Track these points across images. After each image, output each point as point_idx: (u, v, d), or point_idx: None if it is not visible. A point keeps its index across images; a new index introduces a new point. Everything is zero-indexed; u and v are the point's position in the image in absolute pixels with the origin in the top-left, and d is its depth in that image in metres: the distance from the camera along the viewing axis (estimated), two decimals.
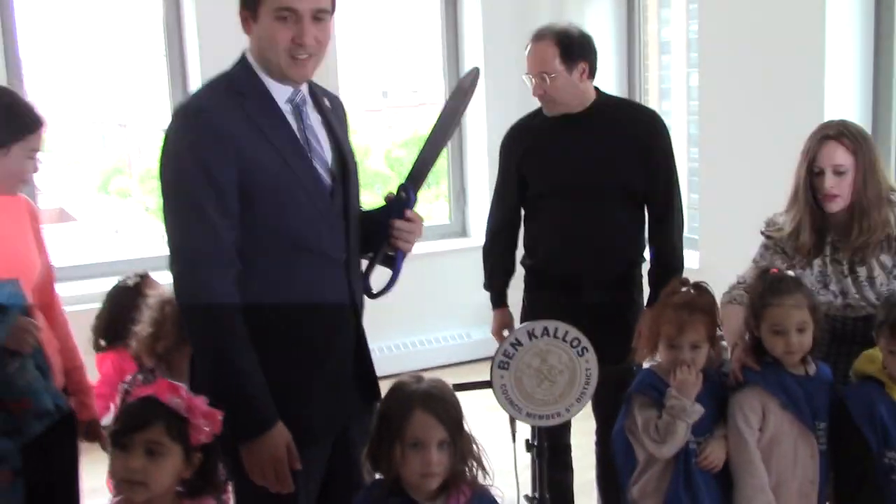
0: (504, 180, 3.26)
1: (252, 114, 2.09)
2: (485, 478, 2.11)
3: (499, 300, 3.31)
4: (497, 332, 3.30)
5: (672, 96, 5.59)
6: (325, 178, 2.18)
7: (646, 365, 2.62)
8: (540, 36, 3.04)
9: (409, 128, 8.59)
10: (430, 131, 2.32)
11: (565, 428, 3.22)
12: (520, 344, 2.53)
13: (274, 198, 2.09)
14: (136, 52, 6.23)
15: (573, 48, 3.01)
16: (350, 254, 2.24)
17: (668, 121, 5.25)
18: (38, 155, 2.48)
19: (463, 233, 6.04)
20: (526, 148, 3.16)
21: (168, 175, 2.10)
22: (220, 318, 2.04)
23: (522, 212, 3.27)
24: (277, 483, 2.09)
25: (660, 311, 2.57)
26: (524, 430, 2.75)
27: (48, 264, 2.66)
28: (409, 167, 2.30)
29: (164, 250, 2.12)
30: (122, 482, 1.95)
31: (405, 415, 2.02)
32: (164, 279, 2.76)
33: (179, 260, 2.08)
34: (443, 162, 5.97)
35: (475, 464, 2.09)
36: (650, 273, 3.18)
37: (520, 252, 3.34)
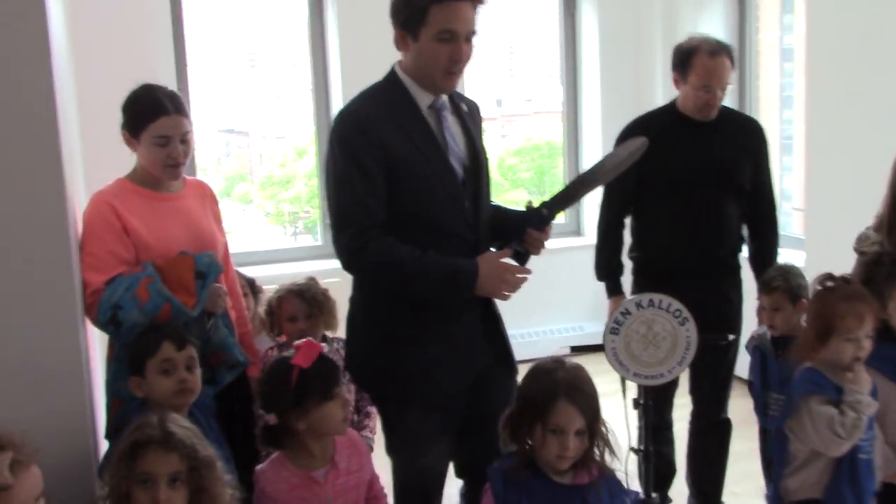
0: (620, 177, 3.46)
1: (398, 117, 2.59)
2: (613, 459, 2.40)
3: (616, 289, 3.68)
4: None
5: (794, 104, 5.65)
6: (459, 170, 2.65)
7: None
8: (717, 51, 3.42)
9: (522, 136, 8.93)
10: (588, 170, 2.84)
11: (668, 406, 3.65)
12: (629, 313, 2.96)
13: (414, 185, 2.57)
14: (261, 63, 6.66)
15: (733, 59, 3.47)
16: (479, 235, 2.70)
17: (789, 130, 5.50)
18: (178, 140, 2.79)
19: (578, 232, 6.44)
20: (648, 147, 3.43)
21: (329, 163, 2.63)
22: (383, 250, 2.52)
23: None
24: (521, 273, 2.60)
25: (829, 306, 2.68)
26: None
27: (225, 242, 3.13)
28: (557, 191, 2.78)
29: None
30: (342, 422, 2.53)
31: (550, 402, 2.31)
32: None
33: (338, 224, 2.57)
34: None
35: (604, 445, 2.38)
36: (756, 261, 3.61)
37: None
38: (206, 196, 3.10)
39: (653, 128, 3.44)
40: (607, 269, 3.70)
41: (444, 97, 2.68)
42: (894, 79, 4.31)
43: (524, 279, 2.62)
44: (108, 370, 2.83)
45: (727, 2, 5.77)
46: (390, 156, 2.54)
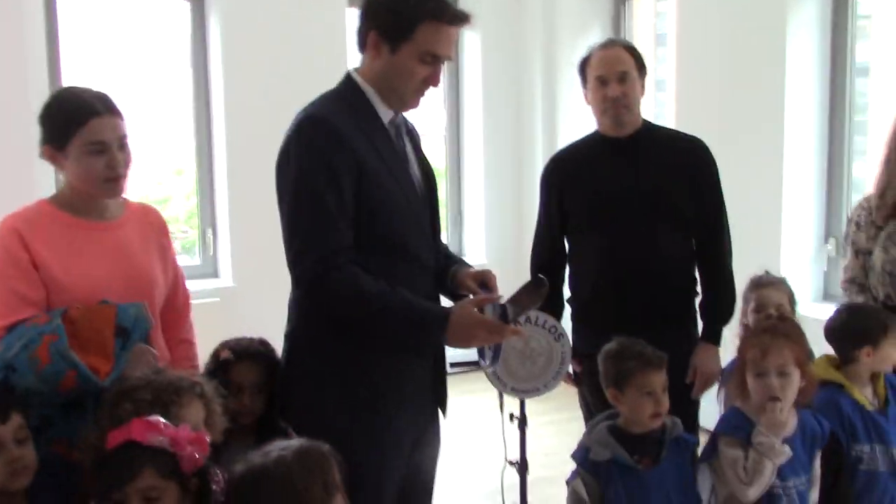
0: (546, 214, 3.26)
1: (363, 126, 2.42)
2: None
3: None
4: None
5: (666, 87, 5.60)
6: (419, 190, 2.54)
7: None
8: (610, 43, 3.16)
9: None
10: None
11: None
12: None
13: (382, 202, 2.39)
14: (138, 77, 6.56)
15: (641, 59, 3.13)
16: (438, 263, 2.58)
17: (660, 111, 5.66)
18: (116, 146, 2.38)
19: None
20: (568, 177, 3.19)
21: (291, 174, 2.38)
22: (351, 287, 2.32)
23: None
24: (495, 334, 2.35)
25: (743, 343, 2.70)
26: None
27: (174, 282, 2.66)
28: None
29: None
30: None
31: None
32: None
33: (300, 246, 2.35)
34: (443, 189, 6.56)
35: None
36: (702, 304, 3.17)
37: None
38: (152, 225, 2.63)
39: (570, 164, 3.23)
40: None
41: (402, 116, 2.56)
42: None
43: (495, 336, 2.38)
44: None
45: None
46: (361, 166, 2.36)
